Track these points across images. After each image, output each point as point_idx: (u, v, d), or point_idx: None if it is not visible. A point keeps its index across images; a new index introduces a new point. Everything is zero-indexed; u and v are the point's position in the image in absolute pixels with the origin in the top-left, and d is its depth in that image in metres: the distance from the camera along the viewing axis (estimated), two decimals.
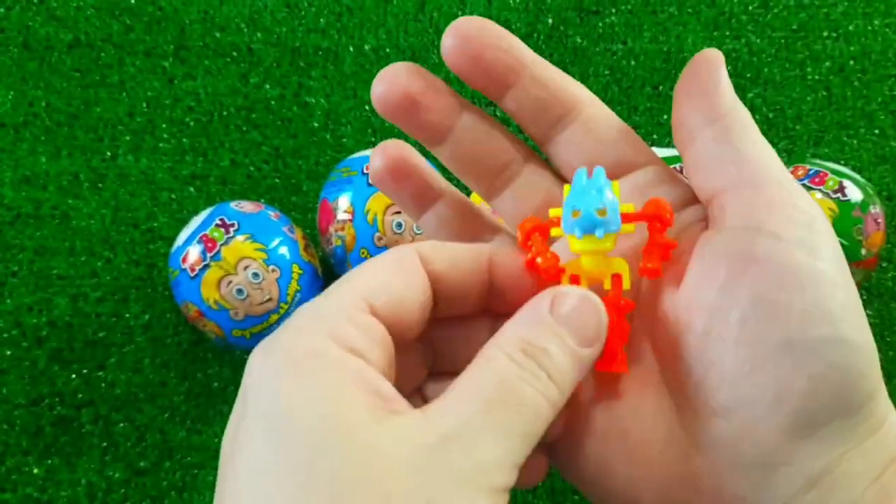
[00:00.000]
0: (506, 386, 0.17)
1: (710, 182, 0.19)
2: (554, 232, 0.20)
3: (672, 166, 0.43)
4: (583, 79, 0.53)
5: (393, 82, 0.20)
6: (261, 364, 0.17)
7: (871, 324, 0.48)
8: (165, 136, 0.51)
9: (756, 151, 0.18)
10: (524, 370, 0.17)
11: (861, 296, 0.47)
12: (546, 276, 0.20)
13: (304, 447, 0.15)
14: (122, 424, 0.44)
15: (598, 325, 0.18)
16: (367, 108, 0.52)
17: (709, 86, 0.19)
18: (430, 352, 0.21)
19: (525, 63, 0.21)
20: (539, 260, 0.20)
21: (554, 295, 0.18)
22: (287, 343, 0.17)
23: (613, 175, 0.21)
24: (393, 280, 0.18)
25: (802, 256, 0.17)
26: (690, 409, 0.18)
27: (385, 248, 0.41)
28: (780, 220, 0.17)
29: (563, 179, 0.22)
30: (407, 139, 0.23)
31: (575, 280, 0.20)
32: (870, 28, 0.55)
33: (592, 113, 0.21)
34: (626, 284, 0.20)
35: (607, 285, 0.20)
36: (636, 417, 0.19)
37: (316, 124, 0.52)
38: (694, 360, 0.18)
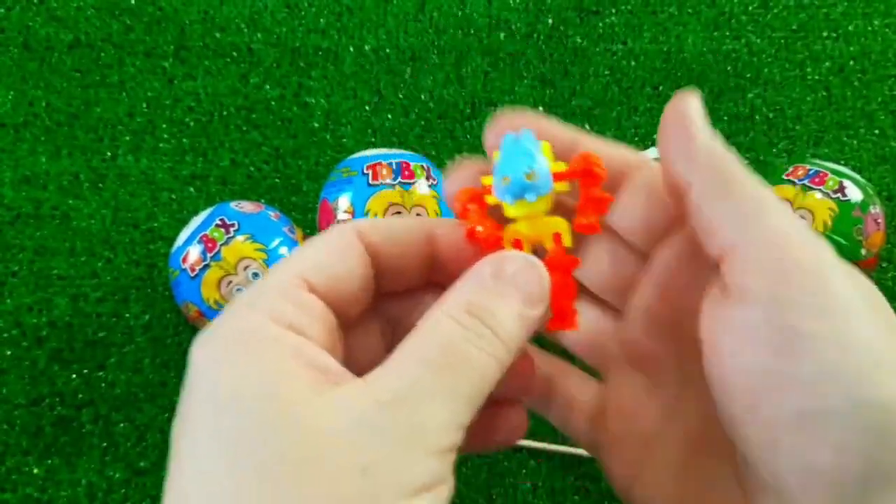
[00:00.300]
0: (451, 348, 0.17)
1: (718, 241, 0.17)
2: (489, 200, 0.20)
3: None
4: (583, 79, 0.53)
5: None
6: (201, 349, 0.17)
7: None
8: (165, 136, 0.51)
9: (748, 193, 0.17)
10: (469, 331, 0.17)
11: None
12: (486, 244, 0.20)
13: (247, 431, 0.15)
14: (122, 424, 0.44)
15: (540, 285, 0.18)
16: (366, 108, 0.52)
17: (684, 136, 0.18)
18: (388, 328, 0.22)
19: (577, 141, 0.21)
20: (479, 229, 0.20)
21: (496, 259, 0.18)
22: (225, 326, 0.17)
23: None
24: (330, 257, 0.19)
25: (842, 325, 0.15)
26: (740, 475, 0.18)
27: None
28: (812, 287, 0.16)
29: (626, 245, 0.21)
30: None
31: (517, 245, 0.20)
32: (869, 28, 0.55)
33: (644, 176, 0.20)
34: (567, 241, 0.20)
35: (549, 245, 0.20)
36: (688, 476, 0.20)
37: (316, 124, 0.52)
38: (737, 433, 0.17)
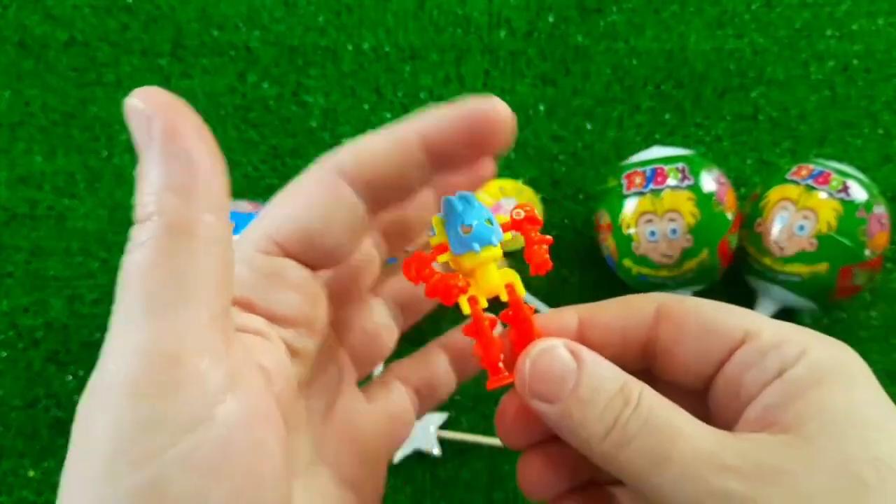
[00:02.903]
0: None
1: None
2: (441, 259, 0.20)
3: (671, 166, 0.42)
4: (584, 78, 0.52)
5: None
6: None
7: (875, 326, 0.48)
8: None
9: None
10: None
11: (865, 298, 0.47)
12: (447, 296, 0.20)
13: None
14: None
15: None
16: (366, 107, 0.52)
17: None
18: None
19: None
20: (439, 285, 0.20)
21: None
22: None
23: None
24: (299, 210, 0.19)
25: None
26: None
27: None
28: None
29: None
30: None
31: (473, 301, 0.20)
32: (874, 27, 0.54)
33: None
34: (521, 290, 0.20)
35: (504, 297, 0.20)
36: None
37: (314, 123, 0.51)
38: None
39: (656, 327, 0.19)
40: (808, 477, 0.15)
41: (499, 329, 0.21)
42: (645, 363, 0.20)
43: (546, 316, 0.20)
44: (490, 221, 0.20)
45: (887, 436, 0.16)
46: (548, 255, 0.20)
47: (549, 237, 0.20)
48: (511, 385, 0.20)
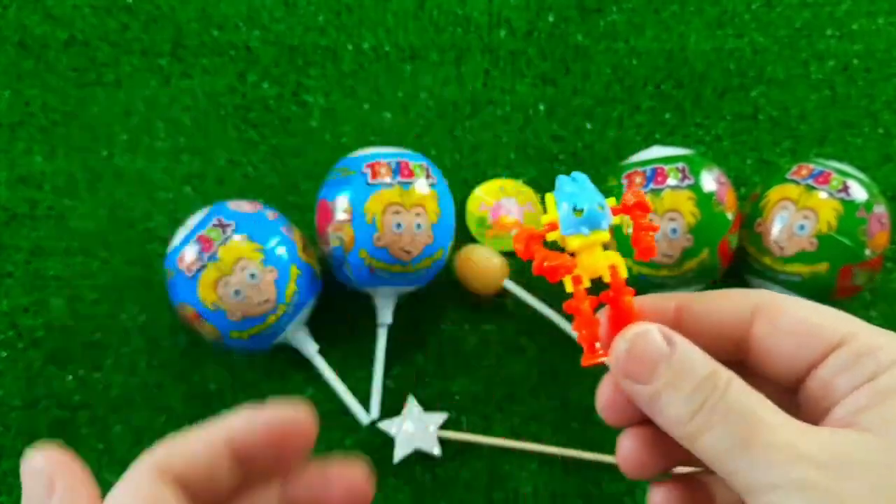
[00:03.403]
0: None
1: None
2: (550, 237, 0.21)
3: (672, 165, 0.42)
4: (584, 77, 0.52)
5: None
6: None
7: (876, 326, 0.48)
8: (162, 135, 0.51)
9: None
10: None
11: (865, 297, 0.47)
12: (554, 275, 0.21)
13: None
14: (118, 427, 0.44)
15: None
16: (365, 106, 0.52)
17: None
18: None
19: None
20: (545, 264, 0.21)
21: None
22: None
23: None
24: None
25: None
26: None
27: (384, 248, 0.40)
28: None
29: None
30: None
31: (577, 280, 0.21)
32: (874, 26, 0.54)
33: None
34: (623, 272, 0.21)
35: (606, 277, 0.21)
36: None
37: (314, 123, 0.51)
38: None
39: (753, 323, 0.20)
40: (886, 473, 0.16)
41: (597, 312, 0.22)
42: (740, 356, 0.20)
43: (644, 299, 0.21)
44: (602, 206, 0.21)
45: None
46: (654, 243, 0.21)
47: (656, 224, 0.22)
48: (604, 365, 0.21)
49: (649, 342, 0.19)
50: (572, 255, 0.21)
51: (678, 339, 0.19)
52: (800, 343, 0.19)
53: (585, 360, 0.21)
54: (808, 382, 0.19)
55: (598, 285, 0.21)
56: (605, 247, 0.22)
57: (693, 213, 0.40)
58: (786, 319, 0.19)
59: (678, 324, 0.20)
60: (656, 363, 0.19)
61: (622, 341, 0.19)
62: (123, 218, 0.49)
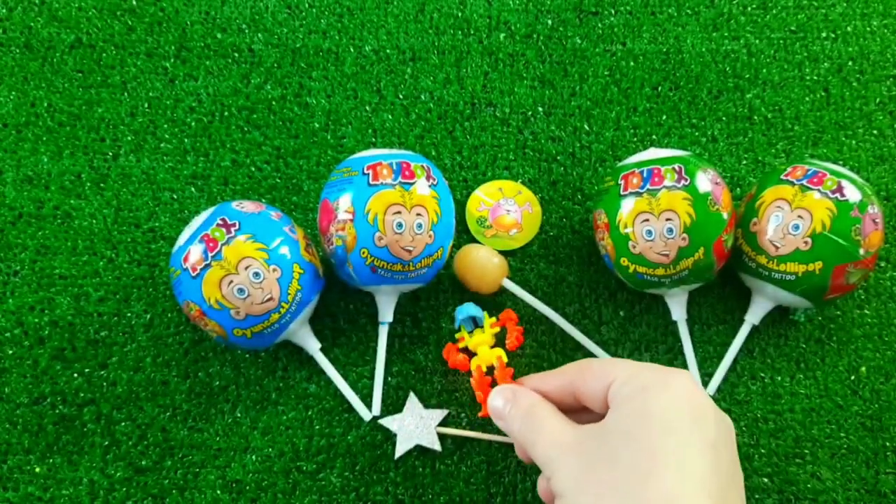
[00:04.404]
0: None
1: None
2: (461, 344, 0.45)
3: (668, 166, 0.43)
4: (582, 79, 0.53)
5: None
6: None
7: (869, 324, 0.48)
8: (167, 136, 0.52)
9: None
10: None
11: (859, 296, 0.47)
12: (464, 366, 0.44)
13: None
14: (123, 423, 0.44)
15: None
16: (367, 108, 0.52)
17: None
18: None
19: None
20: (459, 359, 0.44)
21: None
22: None
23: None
24: None
25: None
26: None
27: (385, 248, 0.41)
28: None
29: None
30: None
31: (479, 370, 0.43)
32: (868, 29, 0.55)
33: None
34: (505, 360, 0.43)
35: (496, 364, 0.43)
36: None
37: (317, 125, 0.52)
38: None
39: (577, 387, 0.33)
40: (596, 449, 0.29)
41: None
42: (578, 401, 0.34)
43: (529, 378, 0.35)
44: (480, 315, 0.44)
45: (657, 417, 0.28)
46: (519, 343, 0.45)
47: (520, 329, 0.45)
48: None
49: (495, 401, 0.35)
50: (474, 354, 0.44)
51: (520, 391, 0.35)
52: (595, 386, 0.32)
53: (481, 413, 0.42)
54: (606, 404, 0.31)
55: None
56: (493, 346, 0.44)
57: (689, 214, 0.40)
58: (589, 375, 0.32)
59: (546, 391, 0.34)
60: (500, 411, 0.35)
61: (490, 400, 0.36)
62: (129, 218, 0.49)
